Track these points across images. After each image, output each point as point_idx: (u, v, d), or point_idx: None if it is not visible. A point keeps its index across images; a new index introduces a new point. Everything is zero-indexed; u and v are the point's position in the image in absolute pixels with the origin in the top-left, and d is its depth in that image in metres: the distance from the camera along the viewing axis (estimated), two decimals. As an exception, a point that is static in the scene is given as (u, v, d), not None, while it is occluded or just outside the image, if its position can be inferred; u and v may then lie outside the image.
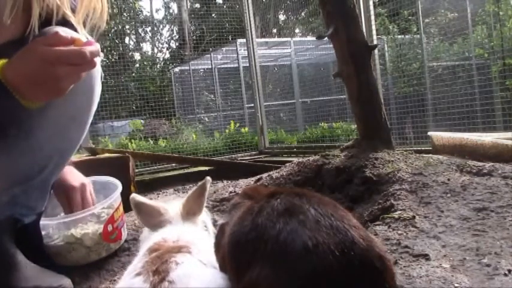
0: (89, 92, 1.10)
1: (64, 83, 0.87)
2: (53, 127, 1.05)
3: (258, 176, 2.40)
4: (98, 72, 1.13)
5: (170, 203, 1.13)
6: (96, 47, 0.89)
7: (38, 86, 0.86)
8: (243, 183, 2.45)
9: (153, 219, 1.07)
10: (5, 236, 1.10)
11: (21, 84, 0.86)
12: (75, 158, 1.56)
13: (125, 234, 1.55)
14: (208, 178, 1.11)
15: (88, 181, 1.39)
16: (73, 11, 1.09)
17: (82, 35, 1.16)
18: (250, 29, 5.00)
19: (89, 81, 1.10)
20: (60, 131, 1.07)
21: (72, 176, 1.34)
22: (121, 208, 1.52)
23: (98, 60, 1.12)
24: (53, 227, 1.47)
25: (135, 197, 1.12)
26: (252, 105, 5.42)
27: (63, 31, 0.92)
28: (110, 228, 1.44)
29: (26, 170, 1.04)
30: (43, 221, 1.31)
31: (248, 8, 4.97)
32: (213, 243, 0.93)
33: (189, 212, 1.07)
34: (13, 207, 1.06)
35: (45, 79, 0.85)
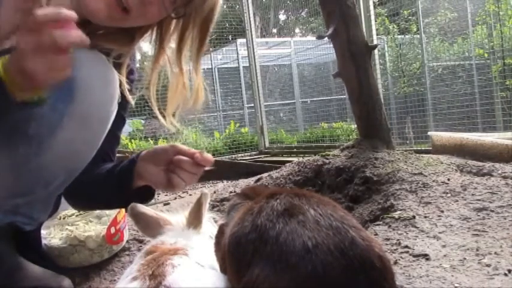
0: (106, 118, 1.08)
1: (38, 75, 0.75)
2: (64, 148, 1.02)
3: (258, 176, 2.41)
4: (116, 97, 1.10)
5: (174, 215, 1.11)
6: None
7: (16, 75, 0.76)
8: (243, 183, 2.45)
9: (153, 231, 1.04)
10: (5, 237, 1.10)
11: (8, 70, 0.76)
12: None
13: (126, 236, 1.55)
14: (206, 192, 1.08)
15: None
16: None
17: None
18: (250, 29, 5.00)
19: (107, 108, 1.08)
20: (71, 153, 1.05)
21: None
22: (123, 210, 1.52)
23: (117, 85, 1.10)
24: (55, 227, 1.47)
25: (134, 207, 1.10)
26: (252, 105, 5.41)
27: None
28: (112, 230, 1.44)
29: (31, 184, 1.03)
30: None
31: (248, 8, 4.97)
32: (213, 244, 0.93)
33: (191, 225, 1.05)
34: (14, 216, 1.05)
35: (17, 68, 0.75)
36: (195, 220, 1.05)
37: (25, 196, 1.03)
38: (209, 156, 1.09)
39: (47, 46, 0.70)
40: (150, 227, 1.06)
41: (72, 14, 0.71)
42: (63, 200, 1.58)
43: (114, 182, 1.17)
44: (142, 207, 1.10)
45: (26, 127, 0.95)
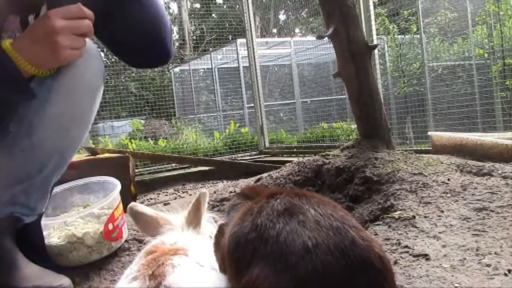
0: (92, 92, 1.11)
1: (65, 51, 0.95)
2: (54, 126, 1.05)
3: (258, 176, 2.40)
4: (101, 72, 1.13)
5: (173, 214, 1.11)
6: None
7: (39, 50, 0.94)
8: (243, 183, 2.45)
9: (153, 230, 1.04)
10: (5, 235, 1.10)
11: (25, 48, 0.93)
12: (75, 158, 1.55)
13: (125, 233, 1.55)
14: (204, 191, 1.09)
15: None
16: None
17: None
18: (250, 29, 5.00)
19: (91, 81, 1.10)
20: (61, 130, 1.08)
21: None
22: (121, 207, 1.52)
23: (101, 60, 1.13)
24: (54, 227, 1.47)
25: (134, 206, 1.10)
26: (252, 105, 5.41)
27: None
28: (110, 226, 1.44)
29: (26, 168, 1.04)
30: (44, 221, 1.31)
31: (248, 8, 4.97)
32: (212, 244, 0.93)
33: (190, 224, 1.05)
34: (13, 206, 1.06)
35: (47, 44, 0.94)
36: (194, 219, 1.05)
37: (22, 182, 1.04)
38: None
39: (82, 31, 0.98)
40: (150, 226, 1.06)
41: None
42: (62, 202, 1.59)
43: None
44: (142, 207, 1.10)
45: (16, 106, 0.98)
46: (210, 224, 1.12)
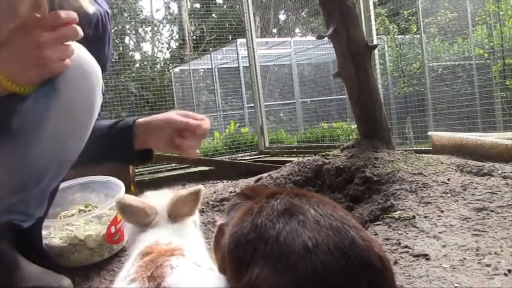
0: (90, 107, 1.09)
1: (53, 63, 0.90)
2: (51, 141, 1.03)
3: (258, 176, 2.40)
4: (98, 87, 1.11)
5: (158, 200, 1.10)
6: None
7: (23, 66, 0.89)
8: (243, 183, 2.45)
9: (140, 220, 1.03)
10: (5, 238, 1.10)
11: (8, 65, 0.88)
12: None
13: (127, 235, 1.55)
14: (202, 187, 1.07)
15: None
16: None
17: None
18: (250, 29, 5.00)
19: (89, 98, 1.08)
20: (59, 144, 1.06)
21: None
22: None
23: (98, 73, 1.11)
24: (55, 226, 1.47)
25: (122, 199, 1.08)
26: (252, 105, 5.41)
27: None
28: (113, 229, 1.44)
29: (23, 181, 1.03)
30: (47, 223, 1.31)
31: (248, 8, 4.97)
32: (209, 243, 0.93)
33: (178, 215, 1.03)
34: (11, 214, 1.05)
35: (33, 60, 0.88)
36: (186, 209, 1.03)
37: (18, 193, 1.03)
38: (205, 124, 1.15)
39: (68, 37, 0.90)
40: (137, 217, 1.04)
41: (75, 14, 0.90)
42: (62, 200, 1.59)
43: (112, 145, 1.24)
44: (129, 199, 1.07)
45: (8, 121, 0.96)
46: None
